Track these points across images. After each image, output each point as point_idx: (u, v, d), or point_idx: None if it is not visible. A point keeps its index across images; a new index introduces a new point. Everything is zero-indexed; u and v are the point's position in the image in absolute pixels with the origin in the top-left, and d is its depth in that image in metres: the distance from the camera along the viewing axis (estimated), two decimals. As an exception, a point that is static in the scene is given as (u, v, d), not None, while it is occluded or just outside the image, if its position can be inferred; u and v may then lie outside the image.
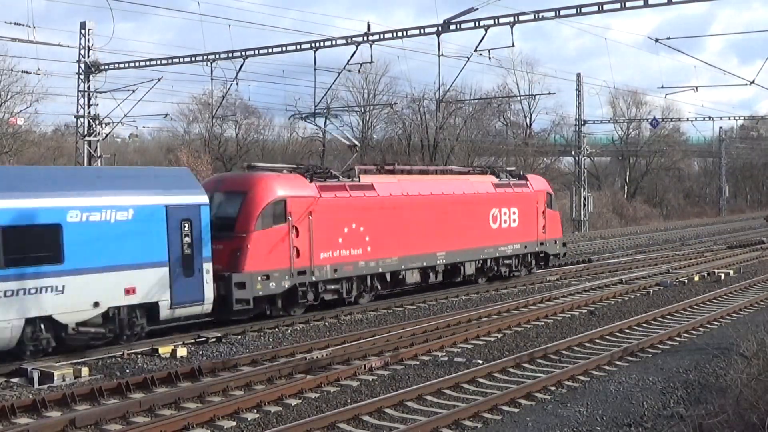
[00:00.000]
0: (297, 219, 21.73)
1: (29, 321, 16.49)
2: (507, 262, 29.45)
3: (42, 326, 16.79)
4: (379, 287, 24.55)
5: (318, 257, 22.22)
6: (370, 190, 24.12)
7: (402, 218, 24.77)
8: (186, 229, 19.28)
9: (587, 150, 60.55)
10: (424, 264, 25.62)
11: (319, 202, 22.39)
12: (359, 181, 24.12)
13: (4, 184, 16.96)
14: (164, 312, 18.86)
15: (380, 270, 24.20)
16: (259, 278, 20.81)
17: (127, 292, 18.14)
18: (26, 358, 16.62)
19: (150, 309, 18.67)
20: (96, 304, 17.58)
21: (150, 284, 18.49)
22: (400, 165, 28.36)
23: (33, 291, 16.55)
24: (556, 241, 32.03)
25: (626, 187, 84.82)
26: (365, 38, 24.09)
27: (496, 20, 21.98)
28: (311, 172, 23.44)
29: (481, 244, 27.96)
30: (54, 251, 16.98)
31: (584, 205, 58.37)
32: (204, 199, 19.88)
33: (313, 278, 22.19)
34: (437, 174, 28.59)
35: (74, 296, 17.14)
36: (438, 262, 26.12)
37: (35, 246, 16.73)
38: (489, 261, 28.53)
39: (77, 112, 35.10)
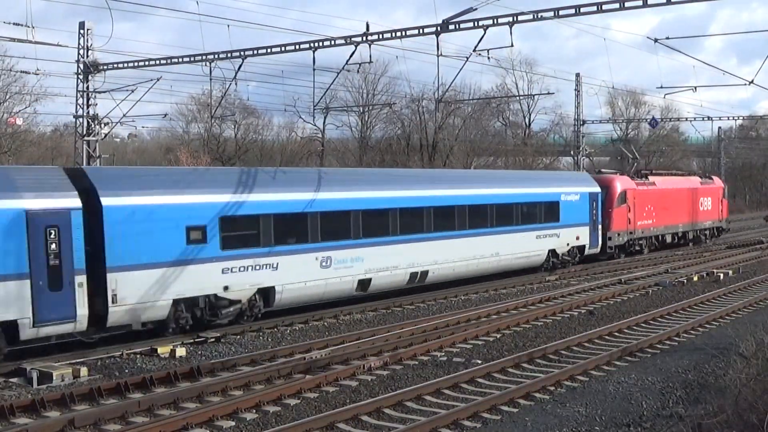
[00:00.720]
0: (629, 201, 37.84)
1: (549, 252, 31.83)
2: (704, 232, 46.60)
3: (549, 255, 31.85)
4: (656, 244, 40.97)
5: (636, 224, 38.44)
6: (654, 185, 40.73)
7: (666, 202, 41.18)
8: (594, 205, 34.55)
9: (586, 150, 60.52)
10: (673, 231, 42.73)
11: (637, 192, 38.64)
12: (648, 179, 40.65)
13: (535, 181, 33.95)
14: (587, 251, 34.39)
15: (656, 234, 40.87)
16: (617, 234, 37.02)
17: (576, 238, 33.46)
18: (543, 272, 31.51)
19: (580, 248, 33.87)
20: (567, 244, 32.90)
21: (584, 235, 33.98)
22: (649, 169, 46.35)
23: (549, 236, 31.76)
24: (726, 220, 50.27)
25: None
26: (364, 38, 24.02)
27: (495, 20, 21.91)
28: (629, 174, 40.59)
29: (695, 220, 44.89)
30: (556, 216, 32.17)
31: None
32: (599, 189, 35.27)
33: (634, 236, 38.60)
34: (674, 176, 45.87)
35: (561, 239, 32.47)
36: (679, 230, 43.38)
37: (550, 213, 31.80)
38: (697, 231, 45.47)
39: (76, 112, 35.01)
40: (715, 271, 30.89)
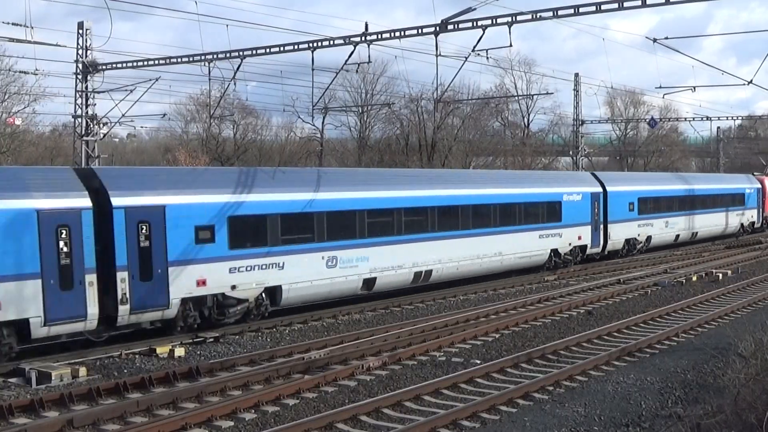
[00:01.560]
0: None
1: (740, 224, 50.56)
2: None
3: (741, 226, 50.00)
4: None
5: None
6: None
7: None
8: (759, 196, 50.66)
9: (585, 150, 60.52)
10: None
11: None
12: None
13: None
14: (756, 225, 51.65)
15: None
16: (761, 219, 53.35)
17: (751, 217, 51.22)
18: (736, 239, 48.45)
19: (752, 223, 51.06)
20: (748, 220, 51.33)
21: (754, 214, 51.15)
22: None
23: (740, 214, 49.52)
24: None
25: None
26: (363, 38, 24.04)
27: (494, 20, 21.92)
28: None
29: None
30: (743, 202, 49.76)
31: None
32: (760, 186, 51.76)
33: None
34: None
35: (745, 216, 50.80)
36: None
37: (741, 201, 49.52)
38: None
39: (75, 112, 35.01)
40: (714, 271, 30.89)
